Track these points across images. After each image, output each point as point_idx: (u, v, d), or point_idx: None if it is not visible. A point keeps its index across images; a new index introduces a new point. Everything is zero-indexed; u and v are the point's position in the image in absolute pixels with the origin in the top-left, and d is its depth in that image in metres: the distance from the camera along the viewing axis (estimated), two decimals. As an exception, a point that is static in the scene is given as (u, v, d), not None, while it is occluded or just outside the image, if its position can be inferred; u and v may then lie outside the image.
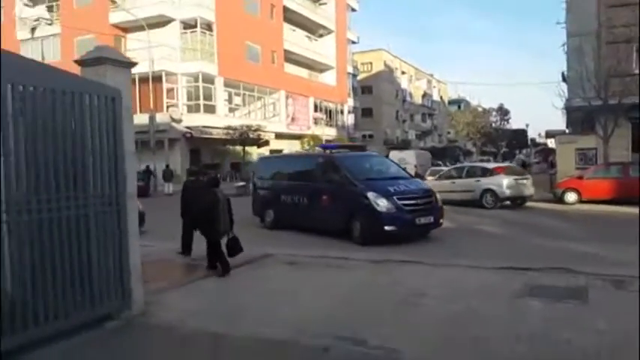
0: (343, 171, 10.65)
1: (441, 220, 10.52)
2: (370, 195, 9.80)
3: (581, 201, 17.10)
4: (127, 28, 33.18)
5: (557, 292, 5.84)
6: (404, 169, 12.62)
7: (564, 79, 28.42)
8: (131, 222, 5.07)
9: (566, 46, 27.44)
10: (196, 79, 32.06)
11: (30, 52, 35.22)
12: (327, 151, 12.58)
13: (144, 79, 27.95)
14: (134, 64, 5.18)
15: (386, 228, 9.60)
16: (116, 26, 32.95)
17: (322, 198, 10.83)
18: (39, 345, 4.27)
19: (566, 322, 4.80)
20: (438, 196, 10.83)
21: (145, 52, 28.71)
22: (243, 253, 7.53)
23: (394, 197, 9.81)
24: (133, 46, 32.45)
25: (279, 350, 4.36)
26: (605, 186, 16.71)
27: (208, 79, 32.54)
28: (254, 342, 4.56)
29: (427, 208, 10.14)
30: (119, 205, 4.89)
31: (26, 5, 36.10)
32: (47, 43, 34.96)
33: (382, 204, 9.69)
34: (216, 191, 7.53)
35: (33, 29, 34.68)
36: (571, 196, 17.47)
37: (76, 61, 5.01)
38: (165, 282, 6.71)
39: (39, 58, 34.98)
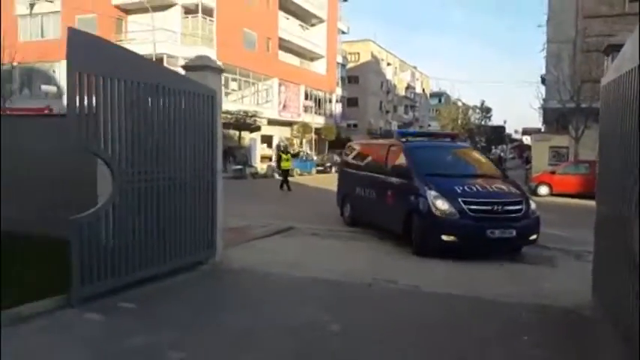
0: (409, 163, 8.87)
1: (533, 236, 8.10)
2: (429, 194, 7.94)
3: (552, 194, 19.22)
4: (128, 10, 33.96)
5: (536, 260, 7.88)
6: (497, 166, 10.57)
7: (543, 82, 30.59)
8: (219, 190, 6.64)
9: (545, 51, 29.57)
10: (195, 64, 32.99)
11: (29, 28, 35.69)
12: (404, 139, 10.18)
13: (145, 62, 28.89)
14: (223, 70, 6.68)
15: (443, 237, 7.70)
16: (118, 7, 33.72)
17: (387, 193, 9.23)
18: (149, 280, 5.61)
19: (542, 278, 6.81)
20: (533, 204, 8.39)
21: (144, 35, 29.58)
22: (272, 225, 9.65)
23: (459, 199, 7.80)
24: (133, 28, 33.27)
25: (335, 286, 6.02)
26: (573, 181, 18.81)
27: (207, 64, 33.50)
28: (314, 280, 6.21)
29: (508, 218, 7.87)
30: (213, 176, 6.45)
31: (24, -18, 36.42)
32: (47, 20, 35.43)
33: (440, 206, 7.78)
34: None
35: (32, 5, 35.08)
36: (543, 189, 19.67)
37: (183, 67, 6.50)
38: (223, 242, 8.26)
39: (38, 35, 35.53)
